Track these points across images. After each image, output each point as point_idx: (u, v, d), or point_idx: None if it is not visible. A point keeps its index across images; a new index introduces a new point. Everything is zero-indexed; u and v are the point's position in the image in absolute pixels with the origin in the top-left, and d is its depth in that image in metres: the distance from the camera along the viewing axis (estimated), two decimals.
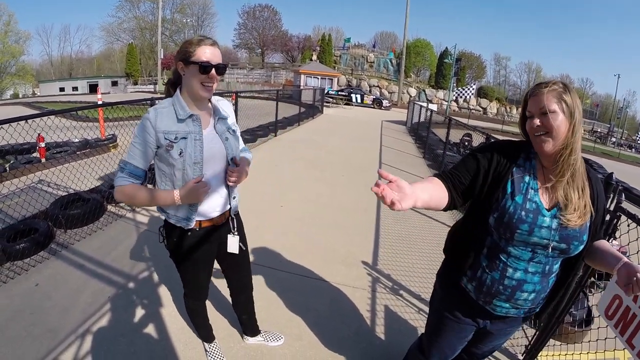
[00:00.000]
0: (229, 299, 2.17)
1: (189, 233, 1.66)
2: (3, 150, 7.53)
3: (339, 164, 7.50)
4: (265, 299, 2.77)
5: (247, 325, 2.27)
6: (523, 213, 1.22)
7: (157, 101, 1.42)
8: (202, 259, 1.76)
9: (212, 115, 1.63)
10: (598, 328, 2.06)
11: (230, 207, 1.75)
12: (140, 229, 3.85)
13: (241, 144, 1.80)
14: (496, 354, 2.44)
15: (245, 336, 2.34)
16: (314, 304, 2.80)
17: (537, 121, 1.18)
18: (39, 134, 6.00)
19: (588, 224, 1.22)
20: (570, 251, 1.23)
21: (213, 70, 1.46)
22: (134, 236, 3.68)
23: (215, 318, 2.53)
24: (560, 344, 2.46)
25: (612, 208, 1.80)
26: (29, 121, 3.04)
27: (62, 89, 39.90)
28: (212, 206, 1.66)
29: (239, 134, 1.75)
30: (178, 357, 2.21)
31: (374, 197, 4.93)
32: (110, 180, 4.82)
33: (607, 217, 1.83)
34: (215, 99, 1.65)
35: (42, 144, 6.51)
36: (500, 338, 1.57)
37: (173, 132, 1.49)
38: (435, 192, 1.26)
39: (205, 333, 2.16)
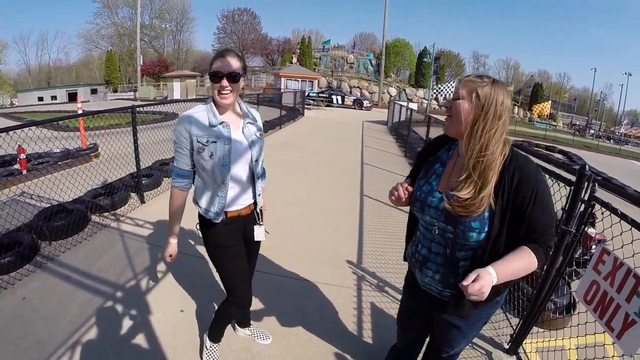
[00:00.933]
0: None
1: (221, 225, 1.81)
2: None
3: (322, 165, 7.57)
4: (253, 302, 2.78)
5: (244, 314, 2.36)
6: (419, 192, 1.42)
7: (191, 107, 1.58)
8: (232, 247, 1.87)
9: (241, 119, 1.79)
10: (578, 313, 2.15)
11: (256, 202, 1.92)
12: (125, 238, 3.81)
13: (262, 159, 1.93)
14: (482, 343, 2.52)
15: (237, 327, 2.42)
16: (301, 304, 2.83)
17: (447, 103, 1.32)
18: (19, 145, 5.88)
19: (487, 215, 1.23)
20: (460, 237, 1.28)
21: (225, 79, 1.59)
22: (119, 245, 3.64)
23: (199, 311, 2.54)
24: (544, 331, 2.55)
25: (586, 198, 1.88)
26: (10, 132, 2.99)
27: (40, 98, 38.91)
28: (239, 201, 1.84)
29: (263, 139, 1.92)
30: (169, 357, 2.23)
31: (358, 197, 5.04)
32: (94, 191, 4.76)
33: (582, 207, 1.91)
34: (246, 107, 1.82)
35: (23, 156, 6.37)
36: (449, 329, 1.54)
37: (205, 136, 1.64)
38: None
39: (219, 334, 2.20)
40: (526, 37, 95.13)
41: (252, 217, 1.94)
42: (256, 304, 2.75)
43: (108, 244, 3.66)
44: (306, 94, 24.37)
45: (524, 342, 2.39)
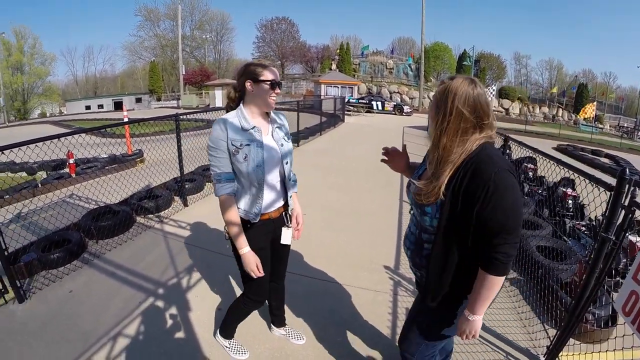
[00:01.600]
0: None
1: (249, 225, 1.88)
2: (35, 167, 7.97)
3: (361, 171, 7.52)
4: (288, 304, 2.84)
5: (276, 314, 2.45)
6: (410, 180, 1.52)
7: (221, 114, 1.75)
8: (262, 249, 1.94)
9: (270, 124, 1.89)
10: (620, 324, 2.04)
11: (286, 204, 2.01)
12: (168, 239, 4.00)
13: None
14: (517, 354, 2.43)
15: (273, 326, 2.52)
16: (336, 307, 2.86)
17: None
18: (68, 151, 6.34)
19: (438, 203, 1.30)
20: (420, 220, 1.42)
21: (277, 87, 1.79)
22: (162, 245, 3.84)
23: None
24: (580, 344, 2.43)
25: (626, 203, 1.80)
26: (61, 139, 3.26)
27: (88, 107, 41.53)
28: (271, 202, 1.91)
29: (290, 143, 2.00)
30: (207, 352, 2.33)
31: (396, 202, 4.99)
32: (138, 193, 5.03)
33: (622, 213, 1.83)
34: (273, 112, 1.93)
35: (72, 160, 6.85)
36: (414, 320, 1.62)
37: (238, 140, 1.75)
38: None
39: (231, 332, 2.32)
40: (569, 36, 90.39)
41: (281, 220, 2.01)
42: (292, 306, 2.81)
43: (152, 244, 3.87)
44: (346, 100, 24.42)
45: (560, 355, 2.29)
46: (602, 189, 2.02)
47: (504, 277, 1.27)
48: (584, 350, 2.37)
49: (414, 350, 1.60)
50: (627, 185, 1.79)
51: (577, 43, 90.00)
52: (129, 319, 2.63)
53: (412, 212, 1.55)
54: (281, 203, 1.97)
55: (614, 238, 1.83)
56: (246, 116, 1.79)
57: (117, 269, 3.32)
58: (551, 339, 2.40)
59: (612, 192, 1.87)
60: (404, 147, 1.78)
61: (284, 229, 2.02)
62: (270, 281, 2.24)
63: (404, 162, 1.76)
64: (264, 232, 1.94)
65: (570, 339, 2.25)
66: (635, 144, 28.10)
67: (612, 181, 1.97)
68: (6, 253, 2.77)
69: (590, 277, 2.00)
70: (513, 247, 1.22)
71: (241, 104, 1.83)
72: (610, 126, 40.26)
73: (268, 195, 1.88)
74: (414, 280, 3.17)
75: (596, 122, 36.95)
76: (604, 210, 1.95)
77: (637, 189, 1.76)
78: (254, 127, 1.79)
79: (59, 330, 2.51)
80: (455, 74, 1.59)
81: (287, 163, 1.92)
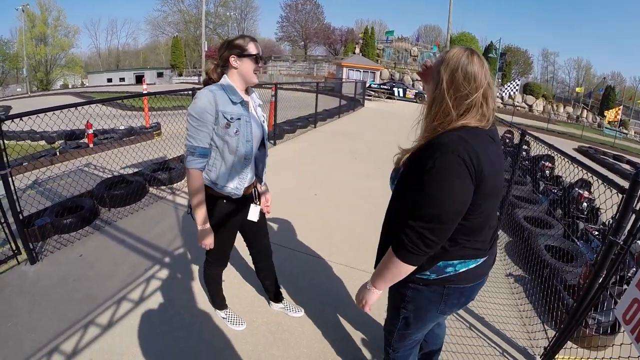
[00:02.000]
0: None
1: (224, 201, 1.89)
2: (54, 136, 8.15)
3: (376, 156, 7.47)
4: (289, 281, 2.90)
5: (271, 290, 2.48)
6: None
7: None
8: (231, 225, 1.97)
9: (251, 100, 1.91)
10: (622, 332, 2.01)
11: (261, 180, 2.04)
12: (179, 210, 4.09)
13: None
14: (514, 352, 2.42)
15: (271, 302, 2.57)
16: (336, 288, 2.89)
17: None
18: (87, 121, 6.46)
19: (400, 171, 1.32)
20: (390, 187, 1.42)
21: (261, 61, 1.79)
22: (173, 217, 3.92)
23: (241, 292, 2.71)
24: (577, 348, 2.40)
25: (638, 207, 1.74)
26: (79, 108, 3.32)
27: (109, 80, 42.15)
28: (247, 179, 1.91)
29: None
30: (206, 322, 2.40)
31: None
32: (153, 165, 5.11)
33: (633, 217, 1.78)
34: (250, 90, 1.92)
35: (90, 131, 6.98)
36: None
37: (229, 113, 1.73)
38: None
39: (219, 301, 2.38)
40: (600, 36, 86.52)
41: (250, 196, 2.02)
42: (292, 283, 2.87)
43: (162, 215, 3.96)
44: (368, 85, 24.03)
45: (557, 357, 2.27)
46: (614, 191, 1.96)
47: (406, 266, 1.18)
48: (580, 355, 2.35)
49: (390, 338, 1.60)
50: None
51: (607, 45, 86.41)
52: (134, 285, 2.72)
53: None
54: (252, 180, 1.99)
55: (621, 242, 1.79)
56: (235, 90, 1.76)
57: (127, 237, 3.41)
58: (550, 340, 2.38)
59: (624, 195, 1.81)
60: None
61: (252, 206, 2.02)
62: (256, 262, 2.33)
63: None
64: (236, 208, 1.94)
65: (569, 342, 2.23)
66: None
67: (626, 184, 1.92)
68: (21, 217, 2.86)
69: (595, 281, 1.96)
70: (421, 237, 1.11)
71: (226, 78, 1.78)
72: (635, 132, 38.83)
73: (242, 173, 1.87)
74: None
75: (621, 127, 35.70)
76: (614, 213, 1.90)
77: None
78: (242, 100, 1.77)
79: (67, 291, 2.61)
80: None
81: (265, 138, 1.97)
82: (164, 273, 2.90)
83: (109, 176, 4.74)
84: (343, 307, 2.67)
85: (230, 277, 2.89)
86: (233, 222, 1.98)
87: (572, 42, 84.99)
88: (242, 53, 1.73)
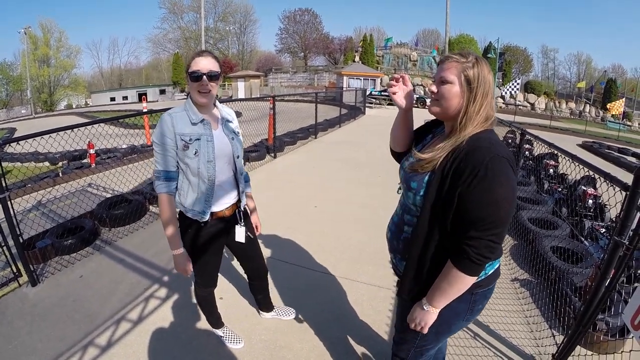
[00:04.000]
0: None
1: (202, 225, 1.82)
2: (57, 157, 8.23)
3: (376, 164, 7.42)
4: (289, 296, 2.85)
5: (262, 303, 2.50)
6: (404, 158, 1.44)
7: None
8: (212, 248, 1.92)
9: (219, 118, 1.82)
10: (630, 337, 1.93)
11: (240, 201, 1.93)
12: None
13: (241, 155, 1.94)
14: None
15: (261, 312, 2.58)
16: (337, 301, 2.83)
17: (433, 87, 1.26)
18: (89, 141, 6.51)
19: (425, 178, 1.22)
20: (405, 196, 1.33)
21: (204, 78, 1.61)
22: None
23: (237, 308, 2.66)
24: (592, 354, 2.31)
25: None
26: (82, 129, 3.37)
27: (112, 99, 42.68)
28: (223, 201, 1.84)
29: (241, 137, 1.93)
30: (204, 340, 2.36)
31: None
32: (152, 183, 5.10)
33: (638, 215, 1.71)
34: (219, 105, 1.85)
35: (92, 151, 7.04)
36: (400, 313, 1.50)
37: (187, 134, 1.67)
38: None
39: (214, 320, 2.32)
40: (599, 29, 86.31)
41: (235, 218, 1.93)
42: (293, 298, 2.82)
43: (161, 233, 3.86)
44: (368, 92, 24.03)
45: None
46: (617, 188, 1.90)
47: (471, 279, 1.16)
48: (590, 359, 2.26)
49: (402, 354, 1.51)
50: None
51: (607, 37, 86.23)
52: (133, 304, 2.69)
53: (399, 191, 1.43)
54: (234, 200, 1.90)
55: (627, 242, 1.72)
56: (194, 109, 1.69)
57: (126, 256, 3.40)
58: (558, 345, 2.30)
59: (628, 192, 1.75)
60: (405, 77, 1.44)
61: (237, 227, 1.94)
62: (250, 279, 2.31)
63: (409, 99, 1.46)
64: (217, 231, 1.87)
65: (578, 347, 2.15)
66: None
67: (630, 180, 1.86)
68: (21, 239, 2.89)
69: (602, 283, 1.90)
70: (488, 245, 1.10)
71: (189, 97, 1.74)
72: (639, 124, 38.42)
73: (219, 193, 1.80)
74: None
75: (624, 120, 35.35)
76: (618, 212, 1.84)
77: None
78: (202, 119, 1.70)
79: (66, 311, 2.61)
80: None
81: (238, 157, 1.84)
82: (162, 292, 2.87)
83: (110, 196, 4.75)
84: (344, 321, 2.61)
85: (227, 294, 2.85)
86: (214, 245, 1.91)
87: (571, 37, 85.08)
88: (186, 70, 1.65)
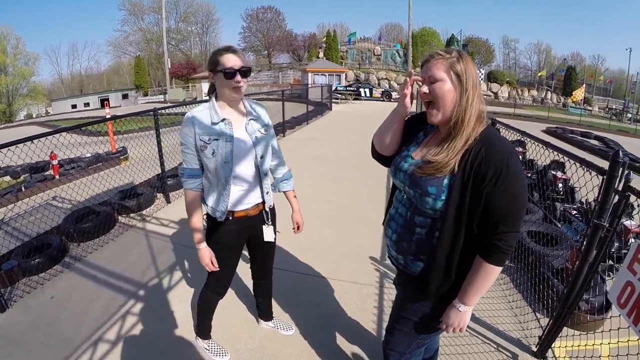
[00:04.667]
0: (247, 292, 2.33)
1: (224, 221, 1.83)
2: (18, 171, 7.76)
3: (347, 159, 7.45)
4: (274, 300, 2.77)
5: (262, 309, 2.42)
6: (397, 157, 1.41)
7: (192, 106, 1.71)
8: (232, 247, 1.92)
9: (244, 116, 1.79)
10: (618, 316, 1.98)
11: (264, 201, 1.90)
12: (150, 238, 3.89)
13: (277, 151, 2.00)
14: (508, 345, 2.38)
15: (261, 320, 2.49)
16: (320, 302, 2.78)
17: (424, 89, 1.24)
18: (51, 152, 6.16)
19: (445, 182, 1.20)
20: (418, 201, 1.27)
21: (238, 75, 1.62)
22: (144, 245, 3.73)
23: (224, 318, 2.56)
24: (573, 334, 2.38)
25: (620, 188, 1.72)
26: (42, 139, 3.15)
27: (74, 106, 40.77)
28: (245, 201, 1.84)
29: (272, 132, 1.92)
30: (186, 355, 2.25)
31: (383, 190, 4.82)
32: (120, 193, 4.89)
33: (616, 198, 1.76)
34: (248, 103, 1.82)
35: (55, 162, 6.67)
36: (398, 312, 1.50)
37: (206, 134, 1.67)
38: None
39: (204, 329, 2.26)
40: (557, 18, 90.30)
41: (260, 217, 1.93)
42: (276, 302, 2.72)
43: (133, 244, 3.76)
44: (334, 88, 24.11)
45: (553, 345, 2.24)
46: (593, 173, 1.95)
47: (500, 269, 1.22)
48: (579, 340, 2.33)
49: (401, 348, 1.51)
50: (620, 169, 1.71)
51: (565, 26, 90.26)
52: (110, 323, 2.54)
53: (402, 194, 1.39)
54: (258, 200, 1.88)
55: (607, 225, 1.76)
56: (216, 109, 1.70)
57: (98, 272, 3.21)
58: (543, 328, 2.35)
59: (605, 177, 1.79)
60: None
61: (264, 227, 1.95)
62: (256, 279, 2.26)
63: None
64: (238, 229, 1.88)
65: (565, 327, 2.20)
66: (624, 125, 28.38)
67: (604, 164, 1.90)
68: None
69: (583, 265, 1.94)
70: (515, 236, 1.18)
71: (213, 96, 1.75)
72: (599, 108, 40.51)
73: (237, 193, 1.80)
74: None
75: (585, 105, 37.18)
76: (597, 195, 1.88)
77: (631, 172, 1.68)
78: (223, 119, 1.69)
79: (40, 337, 2.43)
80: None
81: (261, 157, 1.80)
82: (139, 307, 2.73)
83: (76, 208, 4.50)
84: (331, 322, 2.56)
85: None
86: (235, 245, 1.93)
87: (531, 27, 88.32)
88: (215, 68, 1.64)
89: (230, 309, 2.67)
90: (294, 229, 2.13)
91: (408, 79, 1.33)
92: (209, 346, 2.25)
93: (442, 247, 1.25)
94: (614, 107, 40.68)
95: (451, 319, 1.31)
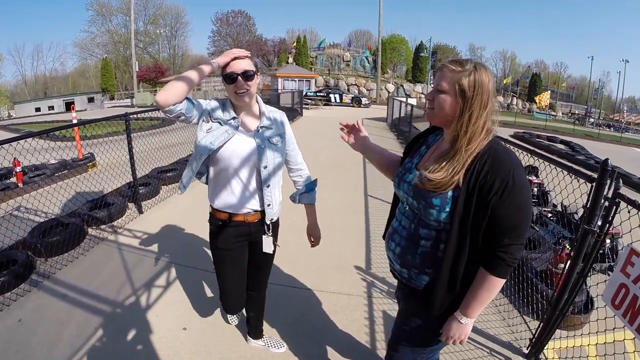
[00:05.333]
0: None
1: (221, 223, 1.84)
2: None
3: (321, 166, 7.38)
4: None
5: (253, 325, 2.31)
6: (401, 169, 1.41)
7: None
8: (229, 251, 1.89)
9: (258, 121, 1.77)
10: (601, 308, 2.03)
11: (264, 212, 1.85)
12: (123, 251, 3.69)
13: (300, 164, 2.01)
14: (499, 348, 2.40)
15: (249, 338, 2.36)
16: (308, 316, 2.70)
17: (429, 96, 1.26)
18: (14, 158, 5.78)
19: (449, 194, 1.18)
20: (422, 213, 1.26)
21: (240, 79, 1.60)
22: (117, 259, 3.52)
23: (203, 330, 2.45)
24: (560, 335, 2.43)
25: (610, 195, 1.76)
26: (5, 145, 2.93)
27: (38, 109, 38.82)
28: (242, 203, 1.80)
29: (290, 145, 1.90)
30: None
31: (362, 197, 4.78)
32: (88, 203, 4.63)
33: (606, 204, 1.79)
34: (268, 109, 1.81)
35: (19, 169, 6.26)
36: (401, 326, 1.47)
37: (215, 117, 1.68)
38: (388, 157, 1.63)
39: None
40: (522, 27, 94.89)
41: (260, 226, 1.89)
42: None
43: (105, 259, 3.54)
44: (304, 93, 24.13)
45: (545, 347, 2.27)
46: (569, 176, 2.01)
47: (503, 281, 1.21)
48: (566, 339, 2.37)
49: None
50: (609, 178, 1.74)
51: (529, 34, 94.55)
52: (85, 348, 2.35)
53: (405, 205, 1.37)
54: (256, 207, 1.84)
55: (597, 230, 1.79)
56: (229, 108, 1.72)
57: (69, 291, 2.99)
58: (533, 331, 2.38)
59: (594, 184, 1.83)
60: (359, 123, 1.72)
61: (264, 237, 1.91)
62: (248, 290, 2.15)
63: (363, 140, 1.69)
64: (234, 234, 1.86)
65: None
66: (587, 129, 29.99)
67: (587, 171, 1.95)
68: None
69: (573, 270, 1.97)
70: (519, 248, 1.17)
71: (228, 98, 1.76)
72: (562, 113, 42.59)
73: (236, 195, 1.78)
74: (387, 280, 3.09)
75: (549, 110, 38.95)
76: (585, 202, 1.91)
77: (620, 180, 1.72)
78: (233, 117, 1.70)
79: None
80: (413, 65, 1.40)
81: (265, 167, 1.75)
82: (115, 328, 2.54)
83: (42, 220, 4.22)
84: (321, 335, 2.50)
85: (192, 324, 2.63)
86: (231, 248, 1.89)
87: (497, 36, 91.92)
88: (222, 74, 1.64)
89: (217, 328, 2.56)
90: (310, 241, 2.15)
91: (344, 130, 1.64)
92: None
93: (447, 259, 1.22)
94: (576, 112, 42.91)
95: (452, 331, 1.29)
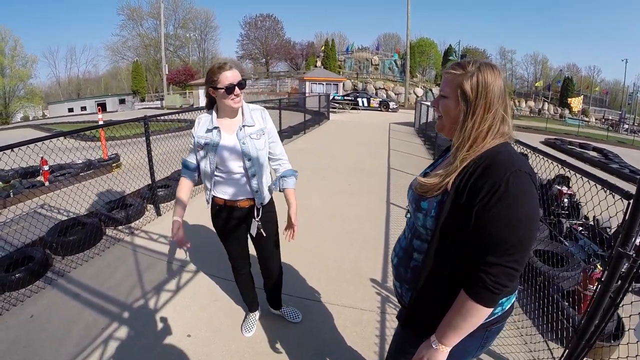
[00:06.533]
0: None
1: (217, 207, 2.12)
2: (7, 175, 7.54)
3: (345, 171, 7.25)
4: (266, 327, 2.60)
5: (271, 300, 2.61)
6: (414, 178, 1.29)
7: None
8: (229, 231, 2.19)
9: (240, 122, 1.99)
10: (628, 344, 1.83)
11: (255, 199, 2.07)
12: (138, 253, 3.70)
13: (279, 155, 2.15)
14: None
15: (270, 308, 2.68)
16: (318, 330, 2.59)
17: (434, 102, 1.19)
18: (42, 157, 5.97)
19: (438, 198, 1.08)
20: (413, 217, 1.18)
21: (236, 88, 1.87)
22: (131, 262, 3.53)
23: (207, 338, 2.39)
24: None
25: None
26: (37, 143, 3.05)
27: (70, 110, 40.59)
28: (233, 192, 2.05)
29: (268, 137, 2.07)
30: None
31: (384, 205, 4.63)
32: (109, 203, 4.71)
33: None
34: (249, 108, 2.04)
35: (46, 167, 6.47)
36: (398, 349, 1.36)
37: (203, 138, 1.97)
38: None
39: (247, 303, 2.57)
40: (553, 30, 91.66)
41: (251, 211, 2.10)
42: (267, 329, 2.57)
43: (120, 260, 3.56)
44: (331, 97, 24.06)
45: None
46: (604, 191, 1.82)
47: (487, 311, 1.00)
48: None
49: None
50: None
51: (561, 37, 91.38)
52: (91, 348, 2.36)
53: (408, 213, 1.29)
54: (247, 195, 2.06)
55: (633, 254, 1.61)
56: (213, 118, 1.95)
57: (81, 290, 3.02)
58: (557, 359, 2.19)
59: (631, 201, 1.65)
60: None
61: (253, 220, 2.10)
62: (264, 279, 2.46)
63: None
64: (227, 217, 2.13)
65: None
66: (621, 136, 28.49)
67: (626, 186, 1.76)
68: None
69: (604, 297, 1.78)
70: (506, 272, 0.96)
71: (215, 106, 1.99)
72: (595, 119, 40.77)
73: (226, 188, 2.04)
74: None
75: (582, 116, 37.41)
76: (620, 222, 1.73)
77: None
78: (215, 127, 1.94)
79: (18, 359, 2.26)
80: (441, 69, 1.27)
81: (249, 160, 1.96)
82: (122, 331, 2.54)
83: (63, 219, 4.31)
84: (328, 352, 2.39)
85: (196, 332, 2.58)
86: (231, 228, 2.17)
87: (528, 39, 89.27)
88: (215, 86, 1.85)
89: (221, 338, 2.50)
90: (285, 229, 2.13)
91: None
92: (246, 317, 2.62)
93: (426, 271, 1.11)
94: (610, 118, 40.94)
95: (421, 354, 1.10)
